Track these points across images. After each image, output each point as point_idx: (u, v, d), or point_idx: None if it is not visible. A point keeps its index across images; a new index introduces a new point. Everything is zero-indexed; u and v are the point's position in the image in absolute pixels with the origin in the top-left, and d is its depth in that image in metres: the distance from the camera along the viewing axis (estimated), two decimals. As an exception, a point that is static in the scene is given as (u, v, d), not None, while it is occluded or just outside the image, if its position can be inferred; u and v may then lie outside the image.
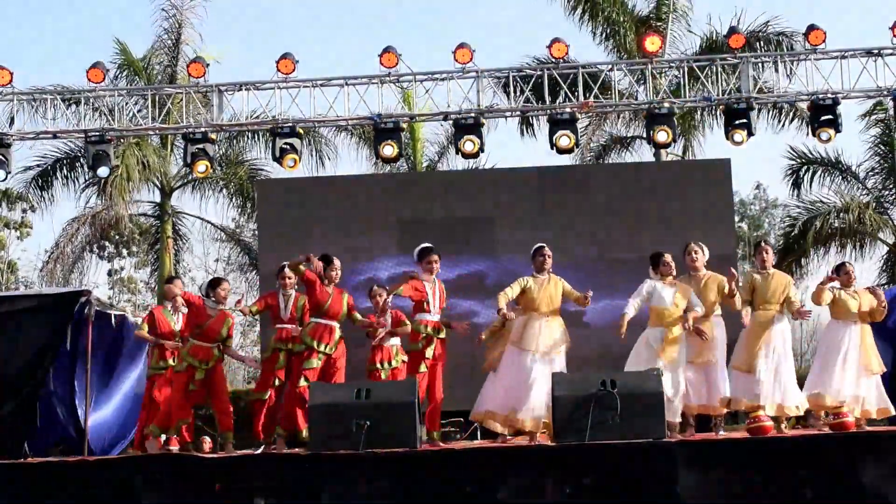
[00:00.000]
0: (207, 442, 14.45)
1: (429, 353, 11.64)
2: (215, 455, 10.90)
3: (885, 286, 14.51)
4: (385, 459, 9.72)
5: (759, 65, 15.72)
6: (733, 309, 11.57)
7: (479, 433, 13.36)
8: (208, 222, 27.33)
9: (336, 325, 11.49)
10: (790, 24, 22.83)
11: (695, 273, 11.69)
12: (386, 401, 10.05)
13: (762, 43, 22.47)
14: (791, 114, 22.78)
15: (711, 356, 11.38)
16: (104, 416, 13.82)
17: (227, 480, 9.87)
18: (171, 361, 12.24)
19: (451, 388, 13.47)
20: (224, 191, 25.23)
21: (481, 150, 14.72)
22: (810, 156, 23.93)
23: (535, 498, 9.59)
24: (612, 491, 9.51)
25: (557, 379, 10.23)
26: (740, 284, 11.56)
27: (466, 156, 14.90)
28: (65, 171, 24.20)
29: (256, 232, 19.98)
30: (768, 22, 22.64)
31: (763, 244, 11.87)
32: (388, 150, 14.71)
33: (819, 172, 24.11)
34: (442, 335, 11.81)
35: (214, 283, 11.96)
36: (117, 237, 32.83)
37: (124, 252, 37.37)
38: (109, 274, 38.23)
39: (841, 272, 12.01)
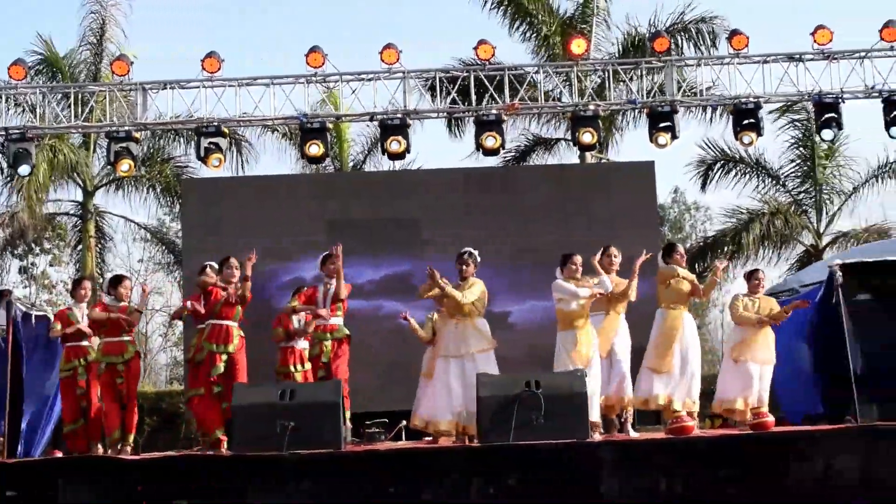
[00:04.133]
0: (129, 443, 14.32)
1: (324, 357, 11.92)
2: (137, 457, 10.81)
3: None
4: (309, 460, 9.70)
5: (683, 67, 15.88)
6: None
7: (404, 434, 13.36)
8: (132, 221, 27.13)
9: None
10: (707, 7, 23.14)
11: (609, 275, 11.80)
12: (310, 401, 10.05)
13: (682, 35, 22.70)
14: (713, 113, 23.00)
15: (613, 349, 11.53)
16: (27, 417, 13.60)
17: (149, 482, 9.80)
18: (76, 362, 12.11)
19: (378, 389, 13.50)
20: (150, 190, 25.00)
21: (407, 150, 14.75)
22: (728, 153, 24.19)
23: (460, 498, 9.62)
24: (536, 491, 9.57)
25: (482, 380, 10.26)
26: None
27: (392, 156, 14.90)
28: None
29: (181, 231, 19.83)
30: (684, 12, 22.90)
31: (677, 245, 12.08)
32: (314, 149, 14.66)
33: (735, 172, 24.37)
34: (338, 335, 12.12)
35: (116, 281, 12.02)
36: (36, 236, 32.35)
37: (37, 249, 36.85)
38: (22, 271, 37.68)
39: (752, 279, 12.30)
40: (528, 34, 23.72)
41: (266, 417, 9.82)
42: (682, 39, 22.60)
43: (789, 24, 57.85)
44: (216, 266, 12.15)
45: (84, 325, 12.08)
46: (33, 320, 13.41)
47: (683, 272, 11.80)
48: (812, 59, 14.65)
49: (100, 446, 11.88)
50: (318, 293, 12.16)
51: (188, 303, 12.07)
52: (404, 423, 12.86)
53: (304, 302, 12.12)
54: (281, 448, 9.66)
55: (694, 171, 24.47)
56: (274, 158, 56.85)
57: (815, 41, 14.50)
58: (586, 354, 11.16)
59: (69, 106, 15.43)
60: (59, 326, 12.07)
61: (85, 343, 12.09)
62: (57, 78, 23.28)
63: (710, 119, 22.98)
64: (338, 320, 12.13)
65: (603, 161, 22.89)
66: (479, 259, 11.64)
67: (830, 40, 14.49)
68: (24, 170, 14.96)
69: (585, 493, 9.57)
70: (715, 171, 24.36)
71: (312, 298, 12.13)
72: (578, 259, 11.55)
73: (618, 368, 11.49)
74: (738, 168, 24.33)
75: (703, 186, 24.57)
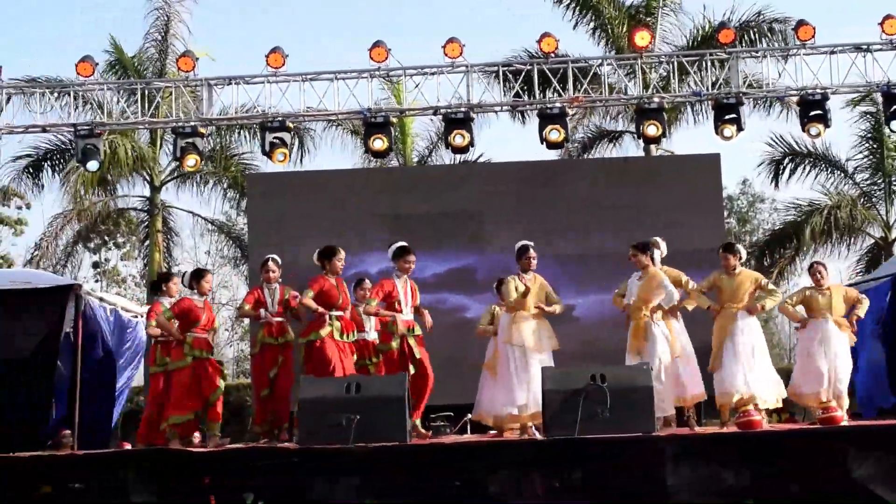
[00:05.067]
0: (196, 437, 14.43)
1: (416, 353, 11.71)
2: (205, 449, 10.89)
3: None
4: (374, 453, 9.73)
5: (749, 59, 15.75)
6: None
7: (468, 427, 13.37)
8: (198, 216, 27.34)
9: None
10: (784, 11, 22.98)
11: (644, 272, 11.77)
12: (376, 395, 10.08)
13: (756, 33, 22.57)
14: (778, 106, 22.82)
15: (677, 351, 11.53)
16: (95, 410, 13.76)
17: (216, 475, 9.88)
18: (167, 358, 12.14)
19: (440, 382, 13.47)
20: (215, 185, 25.25)
21: (471, 144, 14.74)
22: (796, 147, 24.03)
23: (525, 492, 9.61)
24: (601, 485, 9.54)
25: (547, 373, 10.26)
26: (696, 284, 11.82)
27: (456, 150, 14.90)
28: (56, 162, 24.19)
29: (246, 226, 20.02)
30: (761, 12, 22.74)
31: (722, 252, 11.91)
32: (378, 143, 14.69)
33: (804, 165, 24.21)
34: (417, 332, 11.83)
35: (198, 276, 12.03)
36: (104, 229, 32.74)
37: (111, 244, 37.34)
38: (95, 266, 38.19)
39: (812, 272, 12.21)
40: (593, 27, 23.64)
41: (332, 411, 9.86)
42: (755, 36, 22.46)
43: (857, 14, 57.10)
44: (278, 260, 12.17)
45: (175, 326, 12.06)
46: (107, 312, 13.59)
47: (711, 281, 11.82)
48: (880, 50, 14.43)
49: (197, 435, 11.98)
50: (397, 290, 11.73)
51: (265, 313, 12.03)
52: (469, 416, 12.85)
53: (381, 298, 11.68)
54: (347, 441, 9.70)
55: (765, 169, 24.39)
56: (336, 153, 57.12)
57: (883, 31, 14.27)
58: (636, 347, 11.32)
59: (136, 102, 15.58)
60: (165, 317, 11.87)
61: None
62: (126, 77, 23.57)
63: (783, 113, 22.86)
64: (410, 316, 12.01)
65: (668, 154, 22.77)
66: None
67: (900, 30, 14.28)
68: (92, 165, 15.14)
69: (652, 486, 9.52)
70: (784, 166, 24.21)
71: (392, 295, 11.71)
72: (631, 250, 11.68)
73: (676, 369, 11.49)
74: (806, 162, 24.17)
75: (776, 184, 24.42)
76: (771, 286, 11.94)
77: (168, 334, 11.93)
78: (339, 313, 11.57)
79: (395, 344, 11.68)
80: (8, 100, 14.84)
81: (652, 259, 11.73)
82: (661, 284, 11.44)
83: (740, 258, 11.87)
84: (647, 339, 11.34)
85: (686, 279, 11.78)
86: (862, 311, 12.08)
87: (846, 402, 11.79)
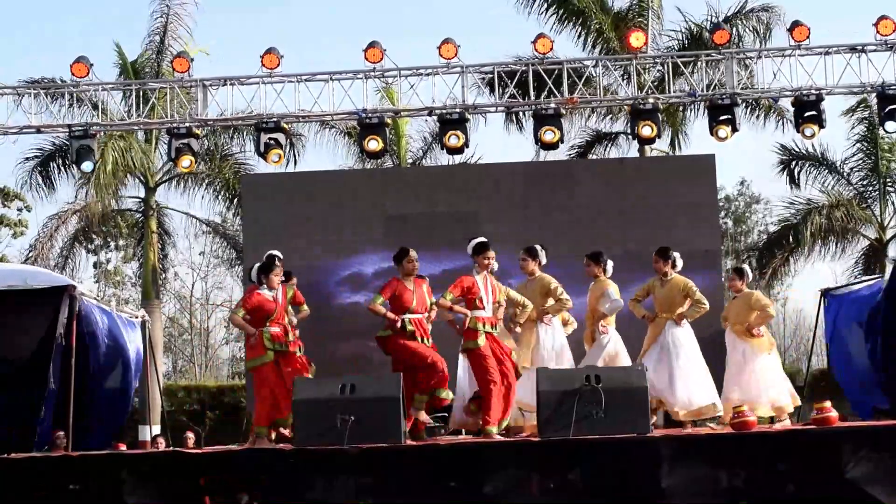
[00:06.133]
0: (191, 438, 14.45)
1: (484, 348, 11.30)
2: (200, 450, 10.89)
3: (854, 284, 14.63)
4: (369, 454, 9.72)
5: (743, 59, 15.76)
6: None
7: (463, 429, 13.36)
8: (193, 217, 27.32)
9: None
10: (771, 2, 23.02)
11: (531, 278, 11.82)
12: (371, 396, 10.06)
13: (744, 21, 22.61)
14: (772, 110, 22.87)
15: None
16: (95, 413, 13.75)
17: (211, 475, 9.87)
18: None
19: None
20: (210, 186, 25.18)
21: (466, 145, 14.77)
22: (798, 152, 24.09)
23: (520, 493, 9.60)
24: (596, 485, 9.54)
25: (542, 374, 10.25)
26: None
27: (451, 151, 14.92)
28: (63, 161, 24.10)
29: (241, 227, 20.01)
30: (746, 2, 22.86)
31: (654, 255, 11.91)
32: (373, 144, 14.70)
33: (806, 168, 24.30)
34: (496, 332, 11.48)
35: (267, 269, 11.61)
36: (104, 230, 32.73)
37: (111, 245, 37.35)
38: (95, 266, 38.23)
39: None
40: (580, 32, 23.56)
41: (328, 412, 9.85)
42: (742, 28, 22.52)
43: (851, 14, 57.18)
44: (280, 256, 12.08)
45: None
46: (105, 314, 13.57)
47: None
48: (875, 50, 14.47)
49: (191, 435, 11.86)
50: (477, 286, 11.37)
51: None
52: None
53: (460, 294, 11.34)
54: (341, 442, 9.69)
55: (779, 176, 24.57)
56: (329, 156, 57.03)
57: (878, 32, 14.30)
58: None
59: (131, 103, 15.57)
60: (238, 314, 11.63)
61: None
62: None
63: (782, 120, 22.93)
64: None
65: (663, 155, 22.79)
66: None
67: (894, 30, 14.28)
68: (86, 166, 15.13)
69: (647, 487, 9.53)
70: (792, 169, 24.31)
71: (473, 292, 11.34)
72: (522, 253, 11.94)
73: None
74: (805, 164, 24.28)
75: (798, 187, 24.53)
76: (698, 295, 11.74)
77: (243, 330, 11.77)
78: (414, 316, 11.32)
79: (481, 341, 11.21)
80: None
81: (604, 269, 11.93)
82: (605, 293, 11.62)
83: (673, 265, 11.82)
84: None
85: (555, 286, 11.72)
86: (759, 319, 11.96)
87: (787, 407, 11.84)
